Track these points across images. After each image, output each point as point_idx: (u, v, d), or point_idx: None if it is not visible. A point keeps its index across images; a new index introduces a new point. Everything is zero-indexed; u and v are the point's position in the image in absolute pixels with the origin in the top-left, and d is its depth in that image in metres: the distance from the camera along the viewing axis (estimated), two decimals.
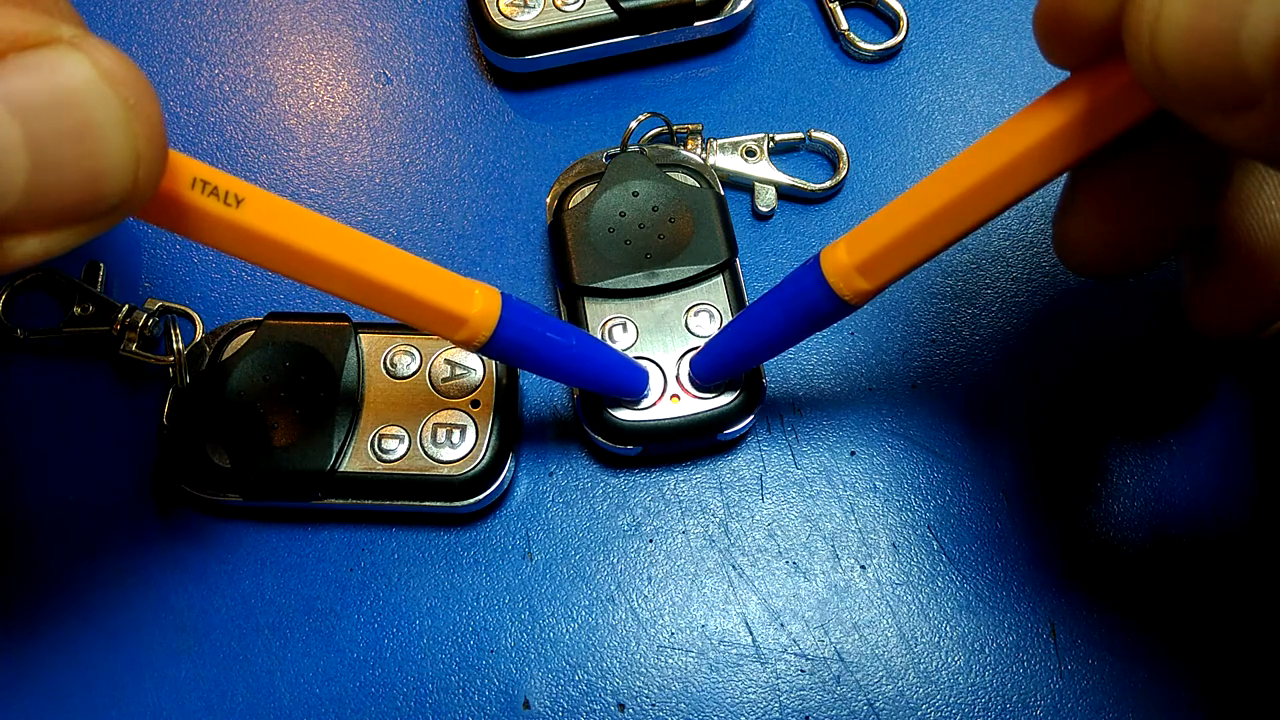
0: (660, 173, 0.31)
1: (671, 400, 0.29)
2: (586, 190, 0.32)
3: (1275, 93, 0.15)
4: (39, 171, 0.16)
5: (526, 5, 0.34)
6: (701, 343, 0.29)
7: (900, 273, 0.23)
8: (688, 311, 0.30)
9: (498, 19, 0.34)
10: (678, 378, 0.29)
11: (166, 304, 0.32)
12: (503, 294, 0.25)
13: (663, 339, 0.30)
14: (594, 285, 0.30)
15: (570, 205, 0.31)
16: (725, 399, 0.29)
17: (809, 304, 0.24)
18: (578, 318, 0.30)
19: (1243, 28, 0.15)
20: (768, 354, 0.27)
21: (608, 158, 0.32)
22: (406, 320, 0.24)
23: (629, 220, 0.31)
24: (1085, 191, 0.22)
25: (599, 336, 0.30)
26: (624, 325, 0.30)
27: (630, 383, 0.28)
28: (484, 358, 0.29)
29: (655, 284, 0.30)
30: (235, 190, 0.20)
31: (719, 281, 0.30)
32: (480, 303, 0.24)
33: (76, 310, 0.32)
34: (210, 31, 0.37)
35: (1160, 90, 0.17)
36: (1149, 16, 0.16)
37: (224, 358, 0.30)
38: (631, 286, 0.30)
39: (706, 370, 0.29)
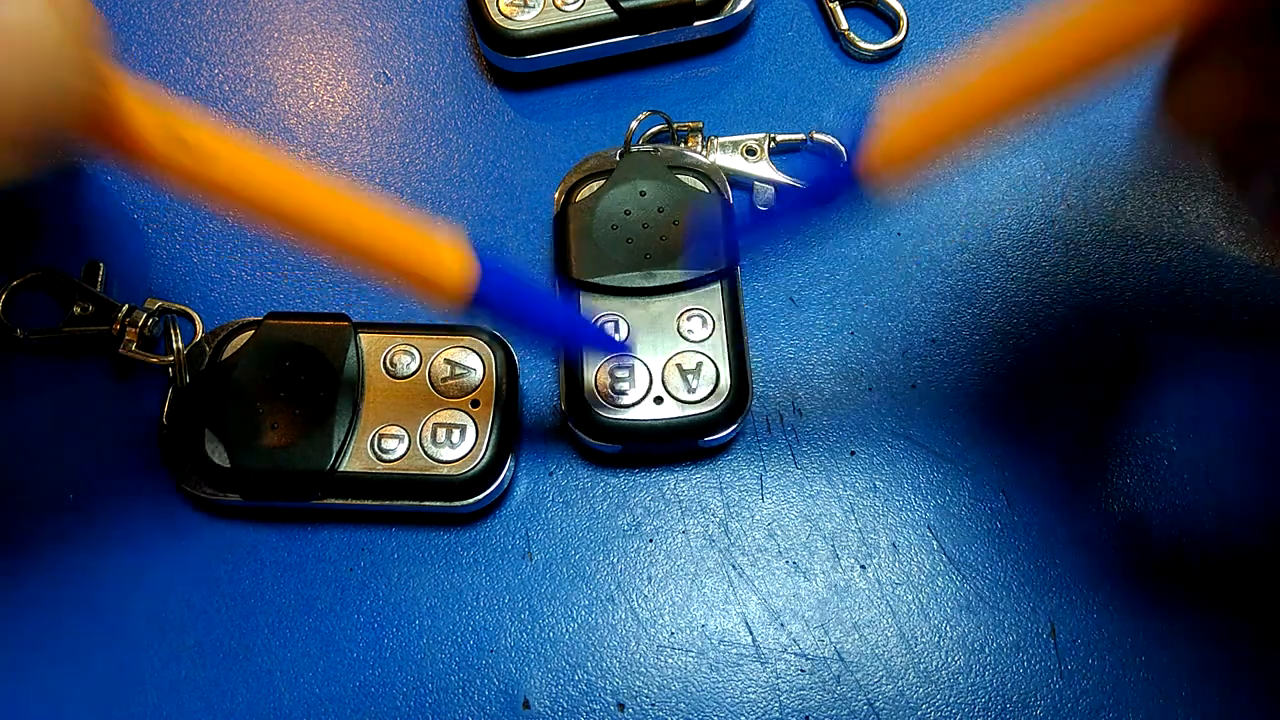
0: (670, 175, 0.31)
1: (655, 402, 0.29)
2: (595, 185, 0.32)
3: None
4: None
5: (526, 5, 0.34)
6: (695, 346, 0.29)
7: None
8: (680, 315, 0.30)
9: (498, 19, 0.34)
10: (664, 379, 0.29)
11: (166, 304, 0.32)
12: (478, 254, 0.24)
13: (654, 340, 0.30)
14: (590, 280, 0.30)
15: (577, 199, 0.31)
16: (709, 405, 0.29)
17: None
18: None
19: None
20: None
21: (620, 155, 0.32)
22: (391, 276, 0.24)
23: (633, 219, 0.31)
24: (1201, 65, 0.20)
25: None
26: (616, 323, 0.30)
27: (597, 338, 0.29)
28: (484, 359, 0.30)
29: (652, 284, 0.30)
30: (207, 139, 0.20)
31: (716, 288, 0.30)
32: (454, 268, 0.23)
33: (76, 310, 0.32)
34: (210, 31, 0.37)
35: None
36: None
37: (224, 357, 0.30)
38: (628, 285, 0.30)
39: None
